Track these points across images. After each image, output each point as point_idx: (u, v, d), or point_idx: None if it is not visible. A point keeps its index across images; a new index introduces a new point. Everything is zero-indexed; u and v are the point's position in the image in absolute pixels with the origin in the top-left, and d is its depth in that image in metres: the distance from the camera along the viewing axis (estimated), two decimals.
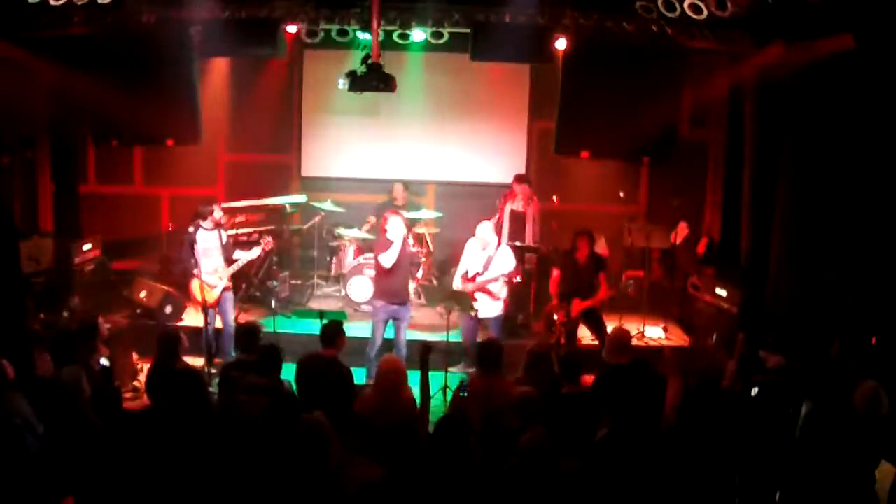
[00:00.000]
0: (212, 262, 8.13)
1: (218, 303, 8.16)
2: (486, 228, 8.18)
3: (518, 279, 8.21)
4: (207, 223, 8.15)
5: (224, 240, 8.28)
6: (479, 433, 4.95)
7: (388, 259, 7.78)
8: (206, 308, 7.97)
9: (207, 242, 8.14)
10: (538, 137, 10.95)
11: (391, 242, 7.85)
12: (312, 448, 4.18)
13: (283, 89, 11.03)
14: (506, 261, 8.13)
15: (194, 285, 8.05)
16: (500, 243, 8.33)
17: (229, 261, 8.25)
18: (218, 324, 8.26)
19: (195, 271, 7.93)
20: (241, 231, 9.79)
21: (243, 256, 8.31)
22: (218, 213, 8.22)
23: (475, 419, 5.32)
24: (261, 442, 4.66)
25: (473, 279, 8.14)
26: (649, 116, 8.60)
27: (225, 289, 8.20)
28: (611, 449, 4.59)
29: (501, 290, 8.12)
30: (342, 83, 7.49)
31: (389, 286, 7.90)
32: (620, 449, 4.57)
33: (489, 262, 8.10)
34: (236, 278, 8.55)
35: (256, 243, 8.58)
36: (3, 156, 8.92)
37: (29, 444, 4.95)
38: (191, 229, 8.10)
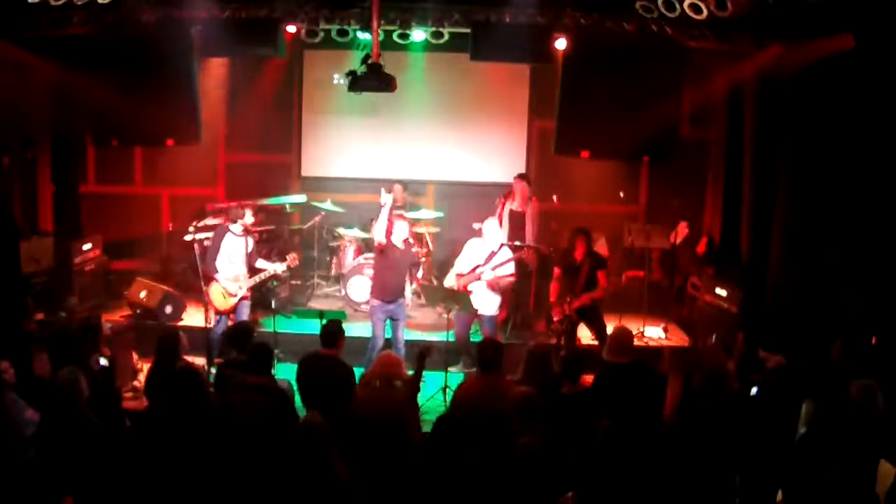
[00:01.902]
0: (234, 269, 7.99)
1: (234, 309, 8.04)
2: (492, 225, 8.15)
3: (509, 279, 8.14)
4: (237, 227, 7.98)
5: (250, 247, 8.10)
6: (478, 434, 4.94)
7: (377, 231, 7.76)
8: (218, 312, 7.93)
9: (234, 248, 7.98)
10: (538, 137, 10.94)
11: (394, 245, 7.85)
12: (312, 450, 4.17)
13: (283, 89, 11.02)
14: (505, 262, 8.11)
15: (213, 290, 7.92)
16: (502, 245, 8.28)
17: (252, 269, 8.08)
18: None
19: (216, 276, 7.83)
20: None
21: (268, 267, 8.13)
22: (250, 219, 8.05)
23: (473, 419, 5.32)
24: (258, 440, 4.66)
25: (472, 271, 8.11)
26: (649, 116, 8.60)
27: (243, 297, 8.07)
28: (611, 446, 4.56)
29: (498, 285, 8.09)
30: (338, 78, 7.49)
31: (385, 282, 7.90)
32: (620, 446, 4.55)
33: (492, 256, 8.09)
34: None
35: (257, 244, 8.49)
36: (3, 156, 8.92)
37: (17, 448, 4.95)
38: (190, 229, 7.98)
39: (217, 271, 7.87)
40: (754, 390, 5.47)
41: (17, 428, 5.04)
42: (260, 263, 8.17)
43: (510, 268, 8.11)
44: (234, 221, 7.98)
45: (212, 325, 8.12)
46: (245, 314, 8.11)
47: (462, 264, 8.23)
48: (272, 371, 5.83)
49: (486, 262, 8.05)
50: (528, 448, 4.43)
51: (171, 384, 5.21)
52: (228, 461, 4.59)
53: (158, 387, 5.89)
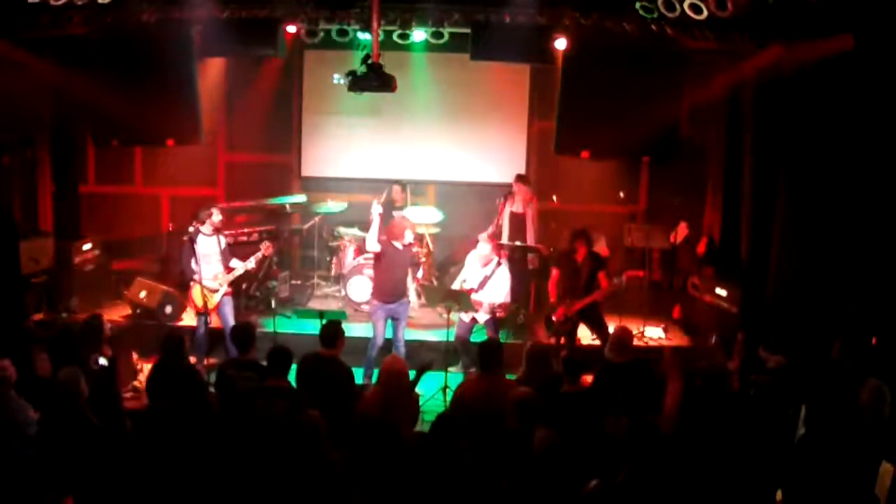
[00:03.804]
0: (211, 268, 8.04)
1: (218, 307, 8.10)
2: (484, 248, 8.12)
3: (500, 314, 8.12)
4: (206, 228, 8.02)
5: (223, 245, 8.17)
6: (477, 433, 4.94)
7: (370, 243, 7.78)
8: (203, 313, 7.96)
9: (207, 248, 8.03)
10: (538, 137, 10.94)
11: (393, 247, 7.85)
12: (309, 445, 4.16)
13: (283, 89, 11.02)
14: (500, 287, 8.07)
15: (195, 292, 7.97)
16: (499, 262, 8.28)
17: (228, 267, 8.15)
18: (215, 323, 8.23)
19: (195, 277, 7.85)
20: (240, 231, 9.78)
21: (240, 266, 8.18)
22: (217, 217, 8.07)
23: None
24: (284, 444, 4.64)
25: (469, 294, 8.12)
26: (649, 116, 8.60)
27: (225, 293, 8.13)
28: (636, 446, 4.51)
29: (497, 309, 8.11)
30: (337, 78, 7.50)
31: (385, 284, 7.91)
32: (644, 445, 4.50)
33: (486, 281, 8.10)
34: (238, 278, 8.45)
35: (256, 244, 8.54)
36: (3, 156, 8.92)
37: (18, 446, 4.95)
38: (190, 229, 8.02)
39: (196, 273, 7.87)
40: (752, 392, 5.47)
41: (19, 426, 5.04)
42: (233, 263, 8.20)
43: (505, 289, 8.09)
44: (203, 223, 8.01)
45: (202, 325, 8.14)
46: (229, 310, 8.14)
47: (465, 276, 8.24)
48: (288, 375, 5.81)
49: (481, 287, 8.05)
50: (548, 441, 4.42)
51: (173, 384, 5.21)
52: (234, 462, 4.59)
53: (160, 387, 5.89)
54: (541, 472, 4.29)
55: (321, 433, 4.24)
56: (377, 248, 7.81)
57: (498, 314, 8.04)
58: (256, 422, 5.07)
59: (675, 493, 4.53)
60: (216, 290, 8.05)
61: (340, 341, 6.20)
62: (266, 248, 8.34)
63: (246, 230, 9.79)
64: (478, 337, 8.16)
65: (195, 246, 7.90)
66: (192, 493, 4.51)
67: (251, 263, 8.24)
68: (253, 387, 5.49)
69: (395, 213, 9.23)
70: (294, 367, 5.92)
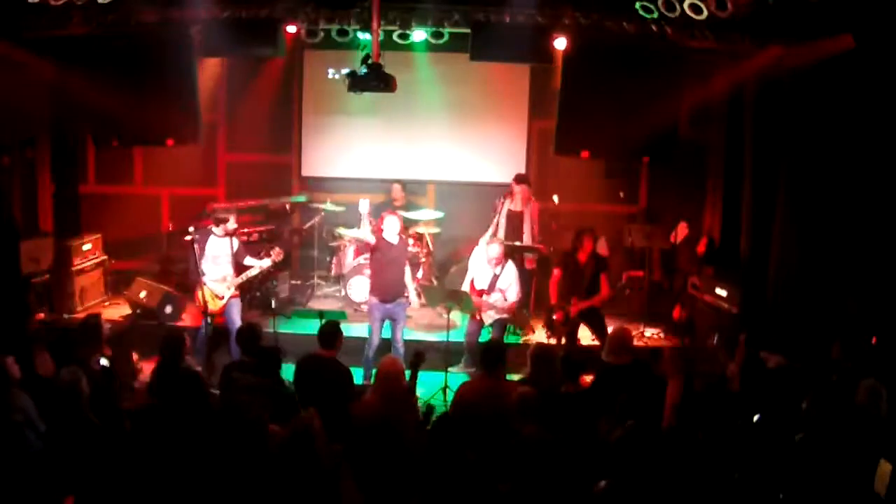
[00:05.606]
0: (221, 269, 8.03)
1: (224, 309, 8.08)
2: (494, 250, 8.12)
3: (506, 315, 8.16)
4: (219, 230, 8.02)
5: (235, 248, 8.14)
6: (479, 433, 4.95)
7: (366, 235, 7.86)
8: (208, 314, 7.96)
9: (218, 250, 8.01)
10: (538, 137, 10.94)
11: (387, 242, 7.86)
12: (300, 446, 4.17)
13: (283, 89, 11.02)
14: (509, 286, 8.10)
15: (200, 293, 7.95)
16: (507, 261, 8.28)
17: (238, 269, 8.12)
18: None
19: (202, 279, 7.83)
20: (240, 231, 9.76)
21: (255, 264, 8.17)
22: (232, 225, 8.07)
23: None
24: (263, 442, 4.66)
25: (480, 294, 8.15)
26: (649, 116, 8.60)
27: (232, 296, 8.12)
28: (631, 448, 4.51)
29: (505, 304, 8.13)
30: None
31: (382, 281, 7.92)
32: (640, 448, 4.50)
33: (495, 280, 8.11)
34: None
35: (257, 244, 8.54)
36: (3, 156, 8.91)
37: (31, 442, 4.96)
38: (191, 229, 8.00)
39: (204, 274, 7.85)
40: (756, 417, 5.44)
41: (33, 423, 5.04)
42: (248, 261, 8.19)
43: (515, 287, 8.12)
44: (217, 225, 8.00)
45: (207, 326, 8.10)
46: (236, 314, 8.12)
47: (472, 274, 8.24)
48: (279, 373, 5.83)
49: (491, 287, 8.05)
50: (543, 441, 4.42)
51: (174, 385, 5.22)
52: (228, 462, 4.60)
53: (162, 387, 5.90)
54: (539, 472, 4.29)
55: (314, 431, 4.24)
56: (372, 239, 7.83)
57: (504, 315, 8.04)
58: (239, 418, 5.07)
59: (675, 493, 4.53)
60: (222, 296, 8.02)
61: (339, 341, 6.20)
62: (277, 254, 8.30)
63: (246, 230, 9.79)
64: (484, 338, 8.17)
65: (198, 246, 7.88)
66: (193, 493, 4.51)
67: (267, 262, 8.22)
68: (243, 385, 5.51)
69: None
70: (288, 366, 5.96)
